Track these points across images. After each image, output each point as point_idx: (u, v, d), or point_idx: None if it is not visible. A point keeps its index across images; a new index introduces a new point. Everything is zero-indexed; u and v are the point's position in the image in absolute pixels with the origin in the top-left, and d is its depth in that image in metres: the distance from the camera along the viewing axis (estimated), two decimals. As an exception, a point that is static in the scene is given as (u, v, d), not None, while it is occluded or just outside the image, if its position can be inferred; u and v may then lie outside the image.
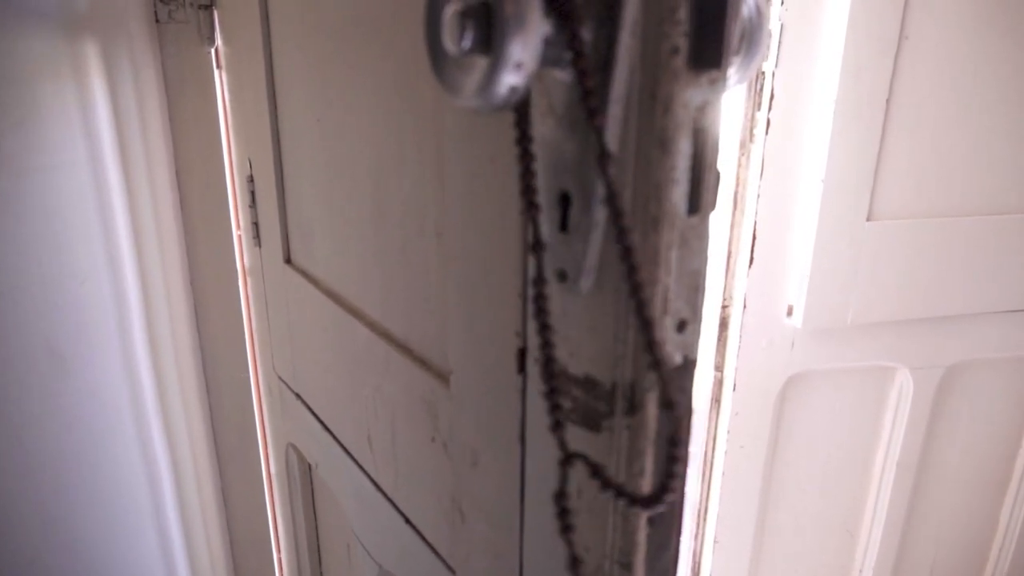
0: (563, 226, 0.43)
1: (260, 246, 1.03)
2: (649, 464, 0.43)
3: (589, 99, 0.36)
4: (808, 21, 1.10)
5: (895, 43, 1.12)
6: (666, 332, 0.41)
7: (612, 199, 0.37)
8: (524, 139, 0.41)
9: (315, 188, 0.84)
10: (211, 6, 0.99)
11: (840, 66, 1.12)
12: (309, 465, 1.08)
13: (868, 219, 1.20)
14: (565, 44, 0.36)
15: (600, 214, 0.42)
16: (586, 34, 0.37)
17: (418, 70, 0.59)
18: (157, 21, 0.99)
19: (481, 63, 0.36)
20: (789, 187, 1.19)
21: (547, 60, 0.37)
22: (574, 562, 0.48)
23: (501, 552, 0.59)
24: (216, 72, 1.04)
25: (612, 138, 0.39)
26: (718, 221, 1.25)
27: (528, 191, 0.42)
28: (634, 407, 0.42)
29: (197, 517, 1.12)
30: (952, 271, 1.27)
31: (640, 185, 0.38)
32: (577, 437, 0.47)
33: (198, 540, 1.14)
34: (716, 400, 1.34)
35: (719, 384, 1.33)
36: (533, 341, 0.49)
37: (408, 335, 0.69)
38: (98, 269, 0.91)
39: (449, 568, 0.69)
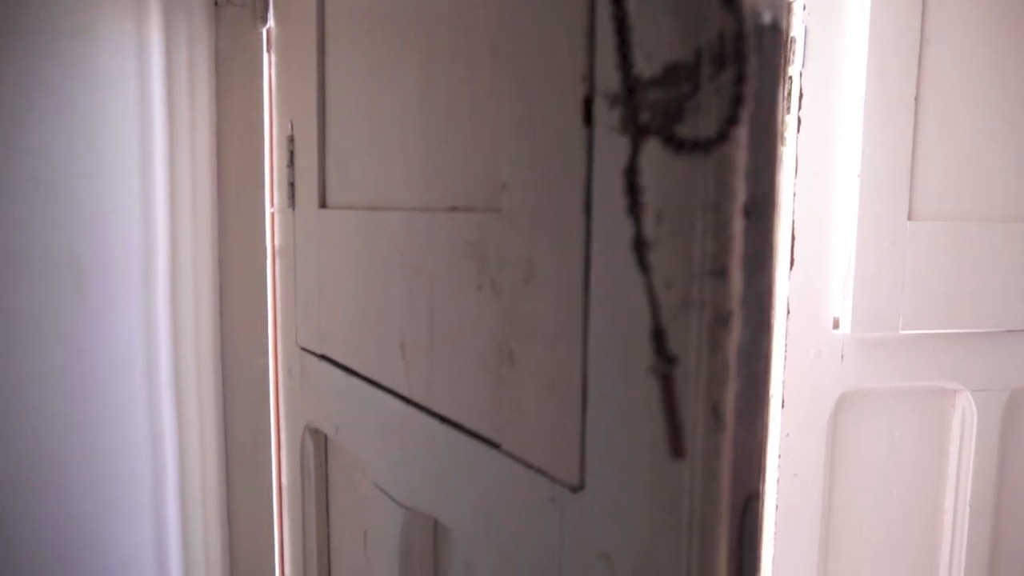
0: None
1: (294, 207, 1.01)
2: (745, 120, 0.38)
3: None
4: (830, 25, 1.15)
5: (917, 46, 1.16)
6: (754, -22, 0.39)
7: None
8: None
9: (358, 111, 0.85)
10: (267, -12, 1.06)
11: (865, 69, 1.15)
12: (326, 443, 0.99)
13: (909, 218, 1.18)
14: None
15: None
16: None
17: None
18: (216, 3, 1.05)
19: None
20: (825, 184, 1.18)
21: None
22: (641, 250, 0.42)
23: (558, 380, 0.52)
24: (265, 54, 1.08)
25: None
26: (755, 225, 1.23)
27: None
28: (723, 63, 0.39)
29: (198, 511, 1.01)
30: (1008, 280, 1.22)
31: None
32: (655, 148, 0.43)
33: (195, 528, 1.03)
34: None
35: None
36: (601, 80, 0.46)
37: (454, 193, 0.66)
38: (131, 205, 0.88)
39: (492, 444, 0.60)
